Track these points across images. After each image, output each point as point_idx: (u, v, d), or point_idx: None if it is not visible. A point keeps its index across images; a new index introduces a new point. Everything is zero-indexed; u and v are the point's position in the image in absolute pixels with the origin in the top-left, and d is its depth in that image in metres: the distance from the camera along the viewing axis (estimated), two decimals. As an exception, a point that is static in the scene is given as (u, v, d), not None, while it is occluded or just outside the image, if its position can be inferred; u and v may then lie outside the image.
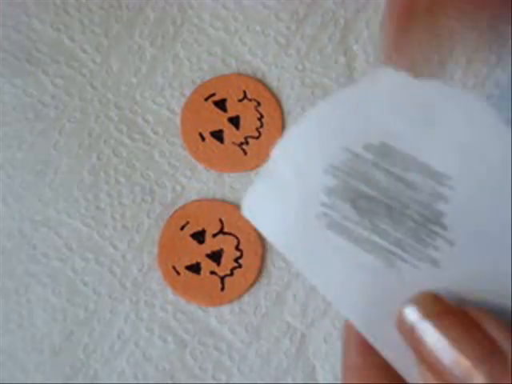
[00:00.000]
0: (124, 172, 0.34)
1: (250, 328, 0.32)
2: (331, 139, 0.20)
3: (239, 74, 0.34)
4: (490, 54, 0.34)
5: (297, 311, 0.32)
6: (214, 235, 0.33)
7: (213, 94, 0.34)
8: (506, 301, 0.19)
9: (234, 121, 0.34)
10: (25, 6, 0.35)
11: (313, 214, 0.20)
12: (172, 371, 0.32)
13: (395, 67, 0.19)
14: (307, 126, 0.20)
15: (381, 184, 0.20)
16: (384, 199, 0.20)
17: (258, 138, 0.34)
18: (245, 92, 0.34)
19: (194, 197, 0.33)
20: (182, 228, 0.33)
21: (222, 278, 0.32)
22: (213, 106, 0.34)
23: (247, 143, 0.34)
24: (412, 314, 0.19)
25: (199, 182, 0.34)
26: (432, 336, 0.18)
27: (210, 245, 0.33)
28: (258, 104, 0.34)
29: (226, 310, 0.32)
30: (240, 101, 0.34)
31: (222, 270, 0.32)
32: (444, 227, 0.19)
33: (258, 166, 0.33)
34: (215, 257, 0.32)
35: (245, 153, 0.34)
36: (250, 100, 0.34)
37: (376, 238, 0.20)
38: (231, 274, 0.32)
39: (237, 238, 0.33)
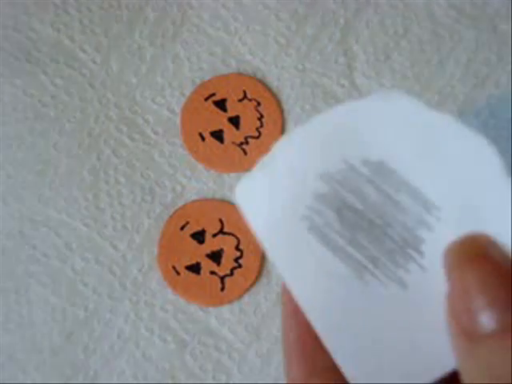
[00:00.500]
0: (124, 172, 0.34)
1: (250, 328, 0.32)
2: (332, 147, 0.21)
3: (239, 74, 0.34)
4: (490, 53, 0.34)
5: (297, 311, 0.32)
6: (214, 235, 0.33)
7: (213, 94, 0.34)
8: None
9: (234, 121, 0.34)
10: (25, 6, 0.35)
11: (298, 214, 0.21)
12: (172, 371, 0.32)
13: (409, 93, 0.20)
14: (311, 129, 0.21)
15: (369, 199, 0.20)
16: (369, 214, 0.20)
17: (257, 137, 0.34)
18: (245, 92, 0.34)
19: (194, 197, 0.33)
20: (182, 228, 0.33)
21: (222, 278, 0.32)
22: (213, 106, 0.34)
23: (247, 143, 0.34)
24: (454, 250, 0.19)
25: (199, 182, 0.34)
26: (470, 272, 0.18)
27: (210, 245, 0.33)
28: (258, 104, 0.34)
29: (225, 310, 0.32)
30: (240, 101, 0.34)
31: (222, 269, 0.32)
32: (421, 253, 0.20)
33: (257, 166, 0.33)
34: (215, 257, 0.32)
35: (245, 153, 0.34)
36: (250, 100, 0.34)
37: (352, 250, 0.20)
38: (231, 273, 0.32)
39: (237, 238, 0.33)
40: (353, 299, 0.20)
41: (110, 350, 0.32)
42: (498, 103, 0.33)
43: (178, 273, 0.32)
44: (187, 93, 0.34)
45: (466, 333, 0.18)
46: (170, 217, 0.33)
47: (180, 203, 0.33)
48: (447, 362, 0.19)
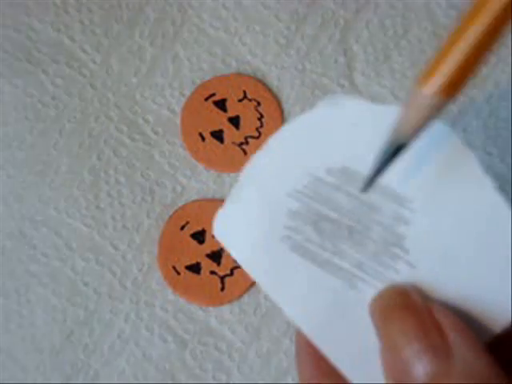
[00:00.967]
0: (124, 172, 0.34)
1: (250, 328, 0.32)
2: (294, 164, 0.21)
3: (239, 74, 0.34)
4: (489, 53, 0.34)
5: (297, 311, 0.32)
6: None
7: (213, 94, 0.34)
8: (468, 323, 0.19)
9: (234, 121, 0.34)
10: (25, 6, 0.35)
11: (278, 236, 0.21)
12: (172, 371, 0.32)
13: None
14: (271, 151, 0.21)
15: (343, 206, 0.20)
16: (346, 221, 0.20)
17: (257, 138, 0.34)
18: (245, 92, 0.34)
19: (194, 197, 0.33)
20: (182, 228, 0.33)
21: (222, 278, 0.32)
22: (213, 106, 0.34)
23: (247, 143, 0.34)
24: (377, 305, 0.19)
25: (199, 182, 0.34)
26: (393, 325, 0.18)
27: (210, 245, 0.33)
28: (258, 104, 0.34)
29: (226, 310, 0.32)
30: (240, 101, 0.34)
31: (222, 270, 0.32)
32: (405, 250, 0.20)
33: (257, 166, 0.33)
34: (215, 257, 0.32)
35: (245, 153, 0.34)
36: (249, 100, 0.34)
37: (337, 260, 0.20)
38: (231, 273, 0.32)
39: (237, 237, 0.33)
40: (349, 309, 0.20)
41: (109, 350, 0.32)
42: (498, 103, 0.34)
43: (178, 273, 0.32)
44: (187, 93, 0.34)
45: None
46: (170, 217, 0.33)
47: (180, 203, 0.33)
48: None
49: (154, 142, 0.34)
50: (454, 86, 0.18)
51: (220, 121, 0.34)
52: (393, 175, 0.20)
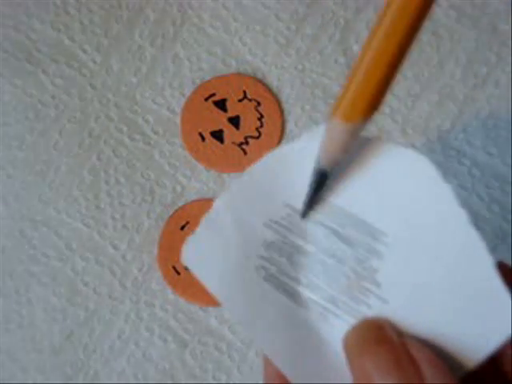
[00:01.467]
0: (124, 172, 0.34)
1: (250, 328, 0.32)
2: (273, 194, 0.21)
3: (239, 74, 0.34)
4: (490, 53, 0.34)
5: (297, 311, 0.32)
6: (214, 235, 0.33)
7: (213, 94, 0.34)
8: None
9: (234, 121, 0.34)
10: (25, 6, 0.35)
11: (252, 266, 0.21)
12: (172, 371, 0.32)
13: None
14: (250, 180, 0.21)
15: (318, 239, 0.20)
16: (320, 255, 0.20)
17: (258, 138, 0.34)
18: (245, 92, 0.34)
19: (194, 197, 0.33)
20: (182, 228, 0.33)
21: (222, 278, 0.32)
22: (213, 106, 0.34)
23: (247, 143, 0.34)
24: (351, 339, 0.19)
25: (199, 182, 0.34)
26: (367, 359, 0.18)
27: (210, 245, 0.33)
28: (258, 104, 0.34)
29: (226, 310, 0.32)
30: (240, 101, 0.34)
31: (222, 270, 0.32)
32: (377, 284, 0.20)
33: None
34: (215, 257, 0.32)
35: (245, 153, 0.34)
36: (249, 100, 0.34)
37: (310, 294, 0.20)
38: (231, 274, 0.32)
39: (237, 238, 0.33)
40: (321, 343, 0.20)
41: (109, 350, 0.32)
42: (498, 103, 0.33)
43: (178, 273, 0.32)
44: (187, 93, 0.34)
45: None
46: (170, 217, 0.33)
47: (180, 203, 0.33)
48: None
49: (153, 142, 0.34)
50: (357, 110, 0.18)
51: (220, 121, 0.34)
52: (367, 209, 0.20)
